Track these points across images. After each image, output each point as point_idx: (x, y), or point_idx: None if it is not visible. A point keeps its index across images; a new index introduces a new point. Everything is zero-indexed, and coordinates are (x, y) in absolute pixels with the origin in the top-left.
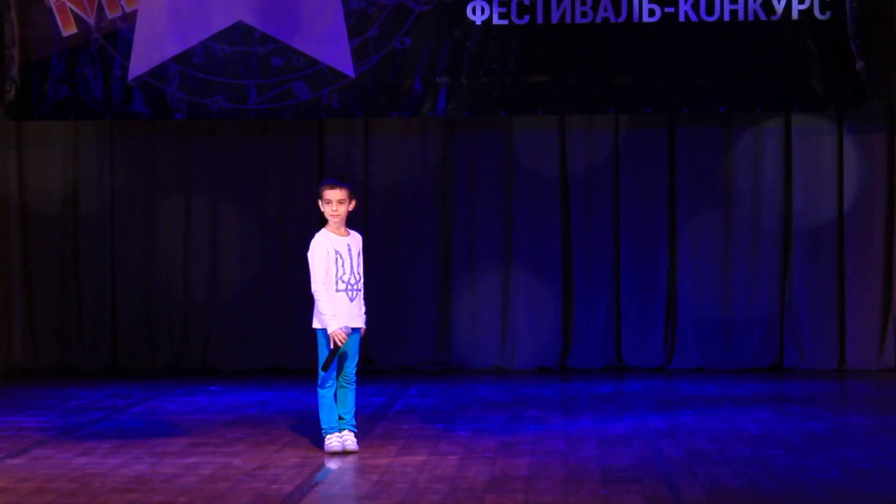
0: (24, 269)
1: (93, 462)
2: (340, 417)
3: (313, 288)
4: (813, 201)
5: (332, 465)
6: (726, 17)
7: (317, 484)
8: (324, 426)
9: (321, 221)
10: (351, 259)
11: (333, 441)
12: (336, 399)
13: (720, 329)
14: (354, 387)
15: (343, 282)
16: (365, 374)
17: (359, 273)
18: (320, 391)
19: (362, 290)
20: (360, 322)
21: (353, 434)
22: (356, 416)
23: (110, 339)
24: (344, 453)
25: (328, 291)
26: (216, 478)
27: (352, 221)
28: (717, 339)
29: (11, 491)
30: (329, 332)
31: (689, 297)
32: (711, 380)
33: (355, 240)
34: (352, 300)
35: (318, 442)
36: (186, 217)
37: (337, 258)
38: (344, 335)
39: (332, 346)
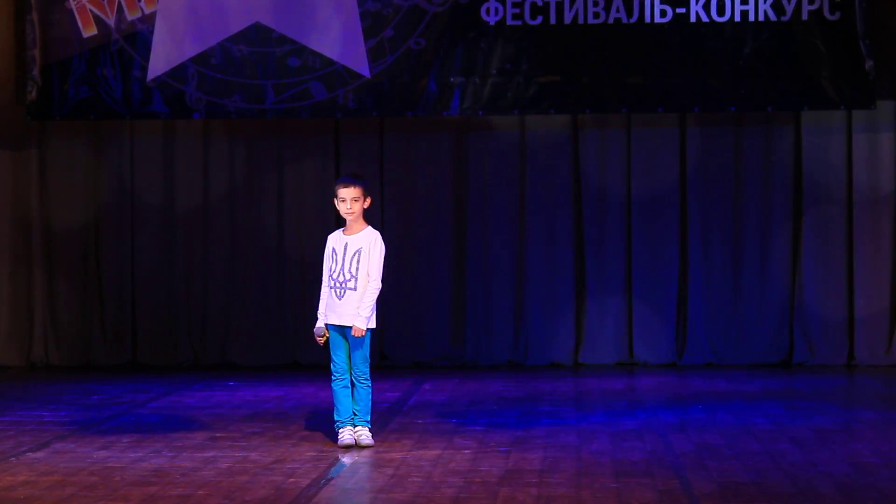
0: (46, 266)
1: (113, 456)
2: (354, 413)
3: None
4: (822, 199)
5: (348, 459)
6: (737, 18)
7: (333, 478)
8: (336, 419)
9: (337, 220)
10: (344, 257)
11: (346, 434)
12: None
13: (730, 325)
14: (367, 385)
15: (333, 279)
16: (380, 369)
17: (351, 272)
18: (332, 384)
19: (358, 289)
20: (349, 320)
21: (367, 429)
22: (372, 411)
23: (130, 335)
24: (357, 447)
25: (322, 288)
26: (234, 471)
27: (367, 220)
28: (727, 335)
29: (33, 484)
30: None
31: (699, 293)
32: (722, 375)
33: (362, 239)
34: (339, 298)
35: (334, 436)
36: (205, 215)
37: (333, 255)
38: (318, 336)
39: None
